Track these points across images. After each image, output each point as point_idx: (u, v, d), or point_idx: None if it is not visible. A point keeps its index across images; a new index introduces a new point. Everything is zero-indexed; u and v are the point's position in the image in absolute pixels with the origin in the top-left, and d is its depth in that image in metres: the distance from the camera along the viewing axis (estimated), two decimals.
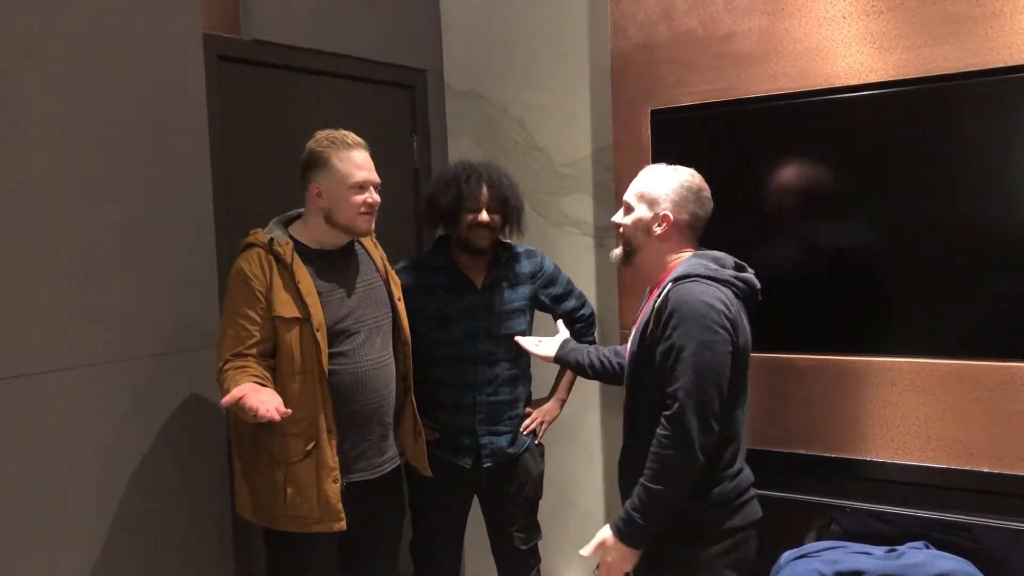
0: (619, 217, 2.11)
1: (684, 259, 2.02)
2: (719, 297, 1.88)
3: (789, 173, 2.49)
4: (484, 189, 2.48)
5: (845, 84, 2.36)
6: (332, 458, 2.18)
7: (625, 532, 1.92)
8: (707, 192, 2.06)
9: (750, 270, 2.05)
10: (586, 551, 1.99)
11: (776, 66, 2.45)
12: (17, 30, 2.08)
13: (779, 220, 2.52)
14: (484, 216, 2.47)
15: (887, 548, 2.20)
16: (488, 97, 3.39)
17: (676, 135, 2.64)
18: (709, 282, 1.90)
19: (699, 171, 2.59)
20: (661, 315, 1.91)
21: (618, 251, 2.12)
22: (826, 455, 2.45)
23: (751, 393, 2.53)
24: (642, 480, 1.89)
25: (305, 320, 2.15)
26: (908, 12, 2.26)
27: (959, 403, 2.26)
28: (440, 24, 3.46)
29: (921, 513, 2.29)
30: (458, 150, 3.43)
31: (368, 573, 2.43)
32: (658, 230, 2.02)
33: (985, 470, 2.23)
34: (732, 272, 1.97)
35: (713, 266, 1.96)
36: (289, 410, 1.98)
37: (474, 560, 3.37)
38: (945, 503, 2.28)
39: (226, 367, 2.10)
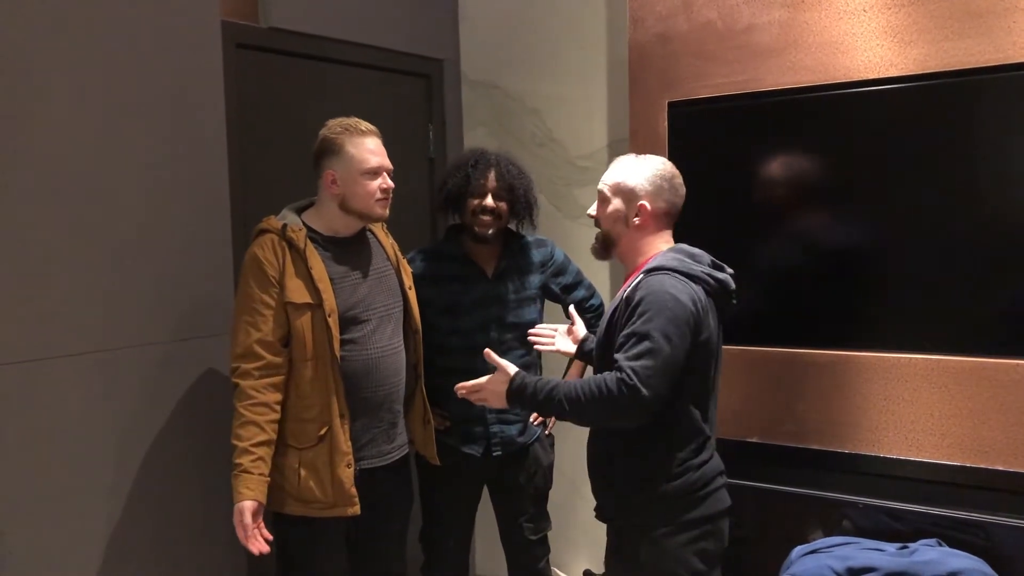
0: (593, 210, 2.11)
1: (660, 251, 2.03)
2: (688, 293, 1.89)
3: (807, 166, 2.48)
4: (491, 174, 2.49)
5: (865, 78, 2.35)
6: (345, 443, 2.20)
7: (515, 394, 1.97)
8: (679, 179, 2.07)
9: (728, 270, 2.05)
10: (495, 358, 2.03)
11: (795, 59, 2.44)
12: (35, 19, 2.09)
13: (796, 213, 2.51)
14: (489, 201, 2.48)
15: (899, 545, 2.20)
16: (504, 88, 3.38)
17: (693, 127, 2.63)
18: (680, 276, 1.91)
19: (716, 163, 2.61)
20: (630, 303, 1.92)
21: (595, 244, 2.12)
22: (839, 451, 2.44)
23: (763, 388, 2.54)
24: (560, 390, 1.90)
25: (317, 306, 2.17)
26: (929, 6, 2.24)
27: (974, 400, 2.25)
28: (457, 14, 3.46)
29: (934, 510, 2.28)
30: (474, 140, 3.43)
31: (376, 561, 2.44)
32: (636, 220, 2.03)
33: (1000, 468, 2.22)
34: (704, 269, 1.98)
35: (687, 261, 1.97)
36: (266, 548, 2.11)
37: (483, 550, 3.38)
38: (959, 501, 2.27)
39: (243, 407, 2.13)
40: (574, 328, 2.41)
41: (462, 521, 2.69)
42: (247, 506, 2.11)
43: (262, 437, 2.13)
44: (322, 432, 2.18)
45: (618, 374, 1.84)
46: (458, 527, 2.67)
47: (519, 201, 2.53)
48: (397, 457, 2.39)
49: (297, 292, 2.16)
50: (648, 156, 2.09)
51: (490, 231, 2.50)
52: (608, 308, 2.06)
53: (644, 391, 1.80)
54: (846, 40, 2.37)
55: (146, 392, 2.32)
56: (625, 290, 1.98)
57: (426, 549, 2.70)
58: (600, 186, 2.09)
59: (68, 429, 2.15)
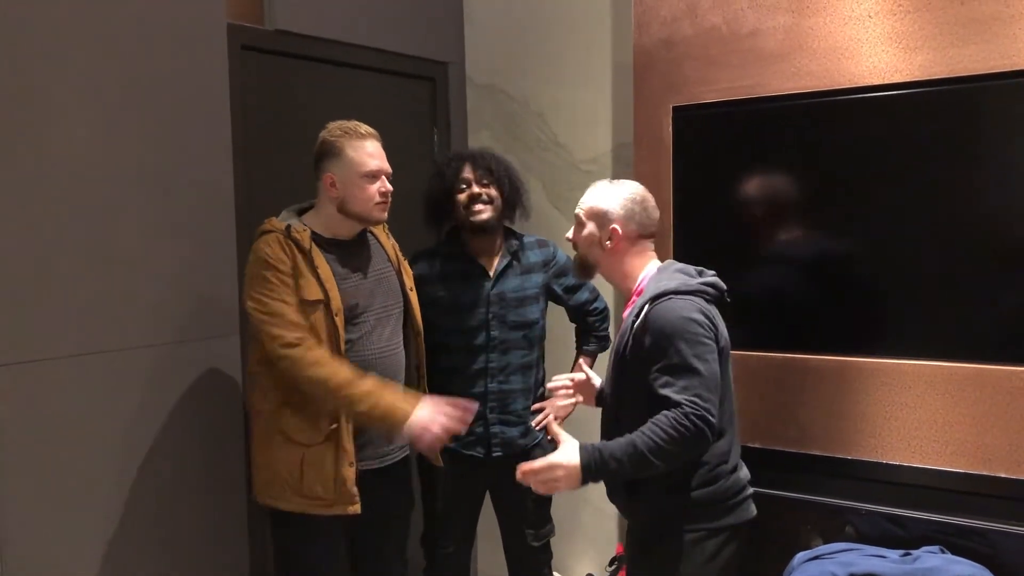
0: (571, 234, 2.14)
1: (649, 271, 2.06)
2: (697, 308, 1.92)
3: (811, 172, 2.47)
4: (467, 166, 2.53)
5: (869, 84, 2.34)
6: (349, 442, 2.20)
7: (595, 472, 1.87)
8: (652, 201, 2.11)
9: (711, 272, 2.07)
10: (555, 429, 1.98)
11: (800, 64, 2.44)
12: (41, 21, 2.09)
13: (799, 219, 2.50)
14: (475, 188, 2.51)
15: (902, 552, 2.19)
16: (509, 91, 3.38)
17: (698, 132, 2.63)
18: (683, 296, 1.93)
19: (721, 168, 2.61)
20: (641, 335, 1.93)
21: (575, 265, 2.16)
22: (842, 456, 2.44)
23: (766, 393, 2.54)
24: (640, 446, 1.83)
25: (326, 303, 2.18)
26: (935, 12, 2.24)
27: (978, 407, 2.24)
28: (463, 17, 3.47)
29: (937, 517, 2.27)
30: (478, 143, 3.43)
31: (376, 563, 2.44)
32: (609, 244, 2.06)
33: (1003, 475, 2.21)
34: (700, 280, 2.00)
35: (681, 277, 1.99)
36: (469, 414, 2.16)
37: (486, 554, 3.37)
38: (962, 508, 2.26)
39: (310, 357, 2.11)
40: (590, 380, 2.34)
41: (464, 525, 2.69)
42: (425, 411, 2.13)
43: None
44: (331, 428, 2.19)
45: (680, 409, 1.83)
46: (460, 531, 2.67)
47: (503, 181, 2.55)
48: (396, 459, 2.39)
49: (309, 289, 2.17)
50: (622, 181, 2.14)
51: (487, 217, 2.52)
52: (618, 335, 2.06)
53: (710, 418, 1.83)
54: (851, 46, 2.36)
55: (150, 393, 2.33)
56: (630, 319, 1.99)
57: (427, 553, 2.70)
58: (577, 210, 2.13)
59: (72, 429, 2.16)
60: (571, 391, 2.34)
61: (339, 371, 2.12)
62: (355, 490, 2.22)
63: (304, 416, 2.19)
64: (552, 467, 1.89)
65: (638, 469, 1.87)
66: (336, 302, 2.19)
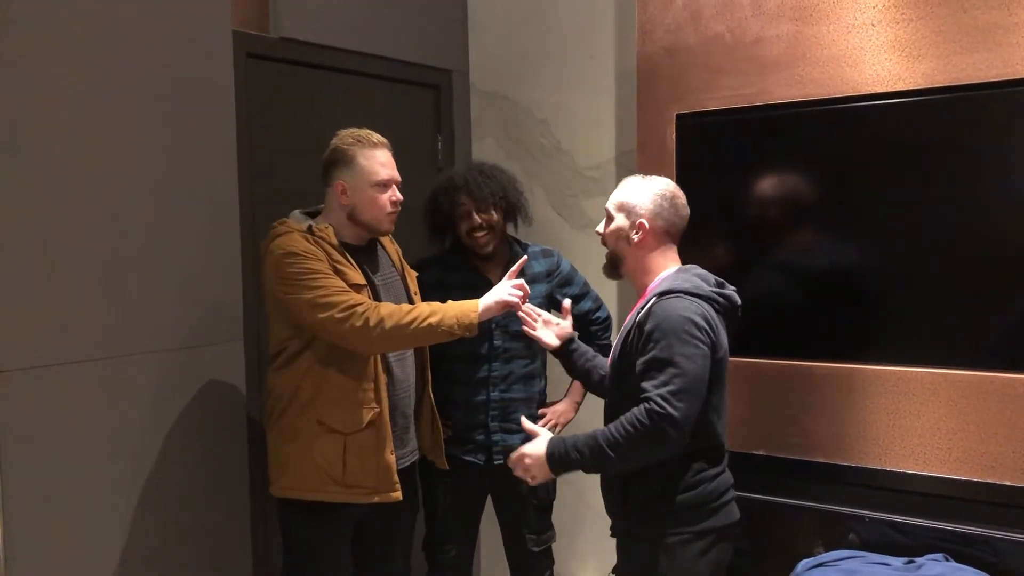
0: (601, 227, 2.16)
1: (669, 271, 2.07)
2: (700, 312, 1.94)
3: (814, 179, 2.48)
4: (462, 197, 2.51)
5: (873, 92, 2.35)
6: (389, 430, 2.24)
7: (558, 462, 1.96)
8: (682, 199, 2.12)
9: (730, 287, 2.08)
10: (528, 425, 2.09)
11: (803, 72, 2.44)
12: (50, 28, 2.10)
13: (802, 226, 2.51)
14: (476, 220, 2.51)
15: (906, 559, 2.19)
16: (513, 98, 3.39)
17: (701, 139, 2.63)
18: (691, 298, 1.95)
19: (724, 175, 2.61)
20: (643, 327, 1.95)
21: (605, 264, 2.17)
22: (846, 464, 2.44)
23: (769, 400, 2.54)
24: (600, 438, 1.90)
25: (371, 287, 2.23)
26: (938, 21, 2.24)
27: (981, 414, 2.24)
28: (467, 25, 3.48)
29: (941, 525, 2.27)
30: (482, 151, 3.44)
31: (381, 564, 2.45)
32: (635, 237, 2.07)
33: (1008, 483, 2.21)
34: (713, 288, 2.02)
35: (697, 281, 2.01)
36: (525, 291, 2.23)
37: (489, 558, 3.37)
38: (966, 515, 2.26)
39: (371, 310, 2.12)
40: (563, 323, 2.35)
41: (465, 530, 2.69)
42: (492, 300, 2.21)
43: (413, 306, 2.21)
44: (372, 416, 2.20)
45: (647, 404, 1.86)
46: (461, 536, 2.68)
47: (500, 203, 2.54)
48: (407, 463, 2.41)
49: (351, 274, 2.19)
50: (654, 177, 2.15)
51: (491, 246, 2.54)
52: (621, 330, 2.08)
53: (675, 414, 1.84)
54: (854, 54, 2.37)
55: (154, 399, 2.33)
56: (637, 313, 2.01)
57: (429, 558, 2.70)
58: (607, 204, 2.14)
59: (77, 435, 2.16)
60: (536, 320, 2.33)
61: (402, 307, 2.18)
62: (396, 477, 2.25)
63: (344, 404, 2.19)
64: (521, 456, 2.01)
65: (598, 462, 1.93)
66: (376, 290, 2.23)
